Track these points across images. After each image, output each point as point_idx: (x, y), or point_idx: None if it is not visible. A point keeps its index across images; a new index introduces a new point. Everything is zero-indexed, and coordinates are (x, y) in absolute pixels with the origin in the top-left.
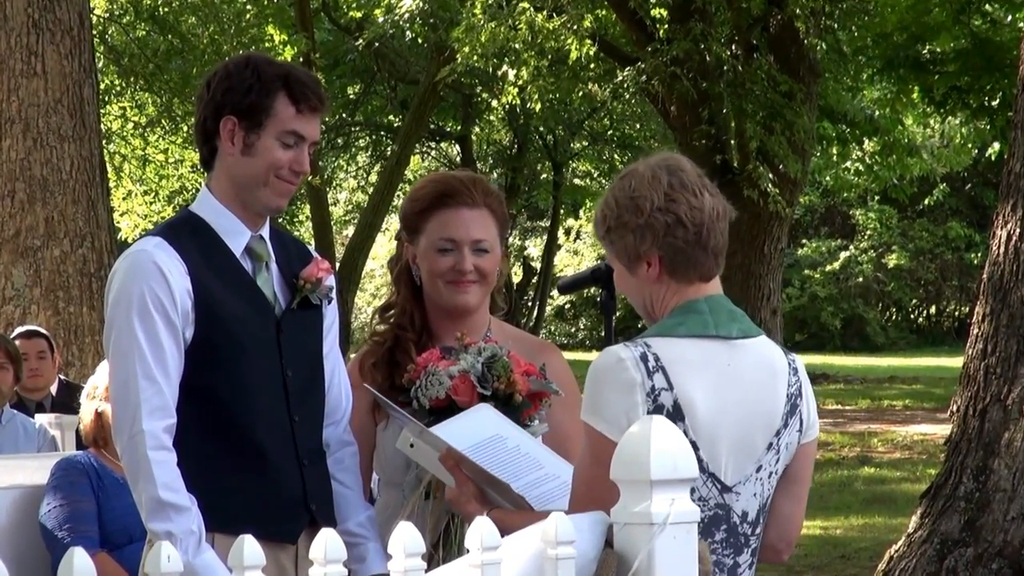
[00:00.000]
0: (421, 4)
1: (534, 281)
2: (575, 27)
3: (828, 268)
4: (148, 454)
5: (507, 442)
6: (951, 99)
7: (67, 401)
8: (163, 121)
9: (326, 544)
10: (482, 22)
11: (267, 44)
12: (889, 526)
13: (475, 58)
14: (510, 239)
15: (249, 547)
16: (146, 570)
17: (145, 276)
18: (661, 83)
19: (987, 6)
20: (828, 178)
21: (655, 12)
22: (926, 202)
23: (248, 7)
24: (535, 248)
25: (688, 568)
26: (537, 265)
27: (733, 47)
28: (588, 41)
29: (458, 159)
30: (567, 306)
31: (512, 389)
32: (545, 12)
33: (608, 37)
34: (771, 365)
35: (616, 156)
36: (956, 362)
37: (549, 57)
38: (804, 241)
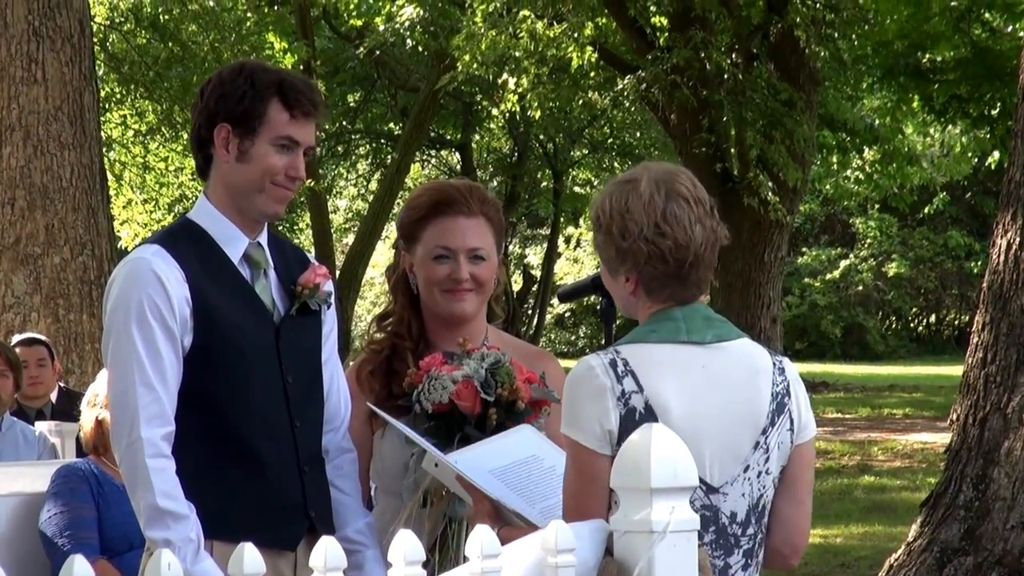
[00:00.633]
0: (422, 12)
1: (534, 289)
2: (576, 35)
3: (828, 276)
4: (146, 462)
5: (543, 463)
6: (951, 108)
7: (67, 409)
8: (163, 129)
9: (326, 552)
10: (482, 30)
11: (268, 52)
12: (889, 535)
13: (475, 66)
14: (510, 247)
15: (249, 555)
16: None
17: (143, 284)
18: (661, 91)
19: (987, 15)
20: (828, 186)
21: (655, 20)
22: (926, 211)
23: (249, 15)
24: (535, 256)
25: None
26: (537, 273)
27: (733, 55)
28: (589, 49)
29: (458, 167)
30: (567, 314)
31: (515, 396)
32: (546, 20)
33: (608, 45)
34: (752, 364)
35: (616, 164)
36: (956, 371)
37: (549, 65)
38: (804, 249)
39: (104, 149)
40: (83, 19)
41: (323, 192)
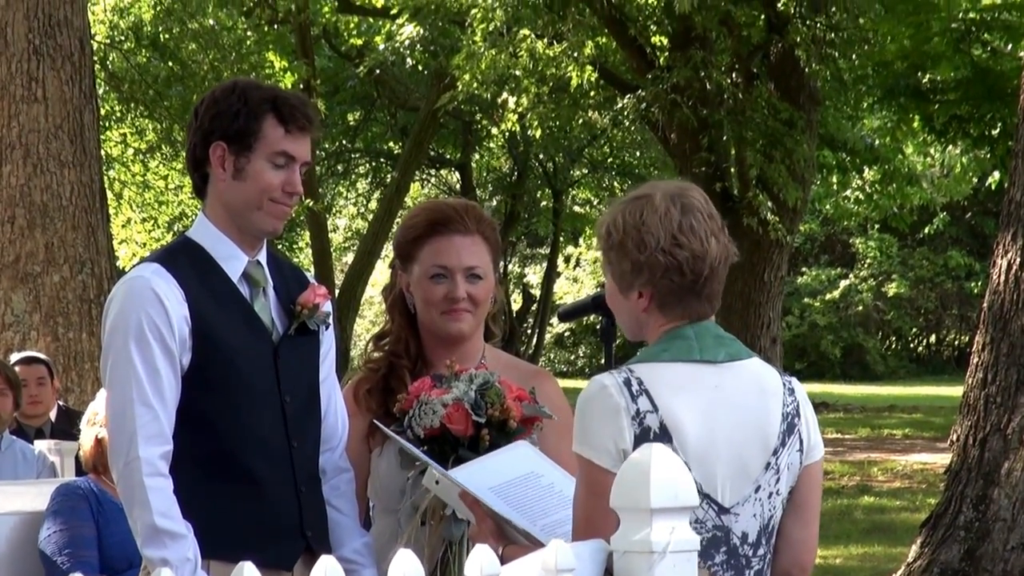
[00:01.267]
0: (421, 31)
1: (533, 308)
2: (575, 54)
3: (828, 296)
4: (144, 481)
5: (541, 480)
6: (951, 128)
7: (66, 427)
8: (163, 147)
9: (326, 571)
10: (482, 49)
11: (268, 71)
12: (889, 555)
13: (475, 85)
14: (510, 266)
15: (248, 574)
16: None
17: (143, 303)
18: (661, 111)
19: (987, 35)
20: (828, 206)
21: (655, 39)
22: (926, 231)
23: (249, 34)
24: (535, 275)
25: None
26: (537, 292)
27: (733, 75)
28: (589, 68)
29: (458, 186)
30: (567, 334)
31: (506, 415)
32: (545, 40)
33: (608, 65)
34: (762, 385)
35: (616, 184)
36: (956, 391)
37: (549, 84)
38: (804, 269)
39: (104, 167)
40: (83, 38)
41: (323, 211)
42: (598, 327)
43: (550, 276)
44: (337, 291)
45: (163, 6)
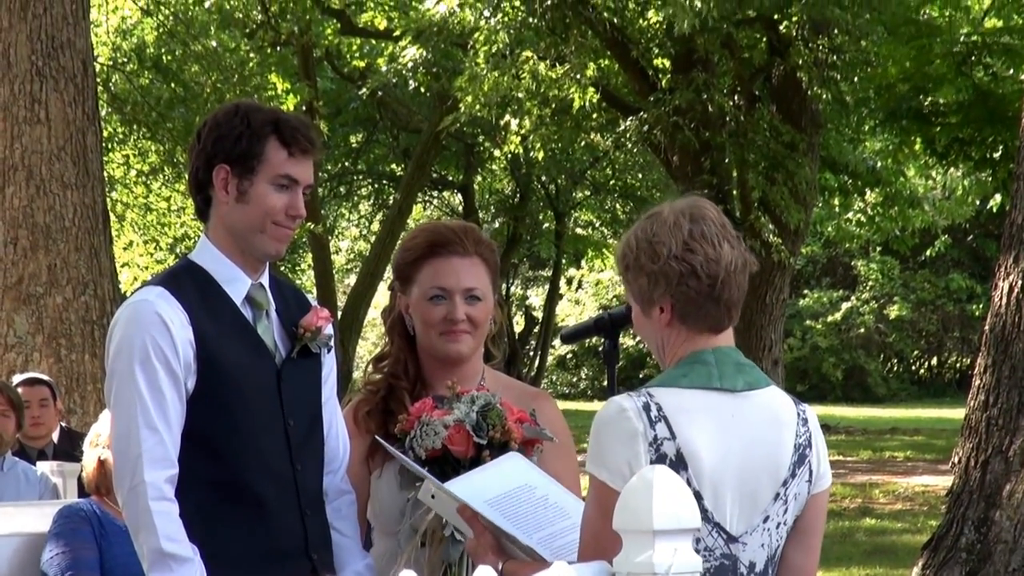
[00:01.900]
0: (424, 53)
1: (536, 331)
2: (578, 76)
3: (830, 319)
4: (150, 505)
5: (535, 492)
6: (953, 151)
7: (69, 449)
8: (166, 169)
9: None
10: (485, 71)
11: (270, 92)
12: None
13: (478, 107)
14: (512, 288)
15: None
16: None
17: (147, 326)
18: (663, 133)
19: (989, 59)
20: (830, 229)
21: (658, 62)
22: (928, 253)
23: (251, 55)
24: (537, 297)
25: None
26: (539, 315)
27: (735, 97)
28: (591, 90)
29: (460, 208)
30: (569, 356)
31: (508, 437)
32: (548, 62)
33: (611, 87)
34: (777, 416)
35: (618, 206)
36: (958, 413)
37: (552, 106)
38: (806, 292)
39: (106, 189)
40: (86, 59)
41: (325, 233)
42: (600, 349)
43: (552, 298)
44: (339, 313)
45: (166, 28)
